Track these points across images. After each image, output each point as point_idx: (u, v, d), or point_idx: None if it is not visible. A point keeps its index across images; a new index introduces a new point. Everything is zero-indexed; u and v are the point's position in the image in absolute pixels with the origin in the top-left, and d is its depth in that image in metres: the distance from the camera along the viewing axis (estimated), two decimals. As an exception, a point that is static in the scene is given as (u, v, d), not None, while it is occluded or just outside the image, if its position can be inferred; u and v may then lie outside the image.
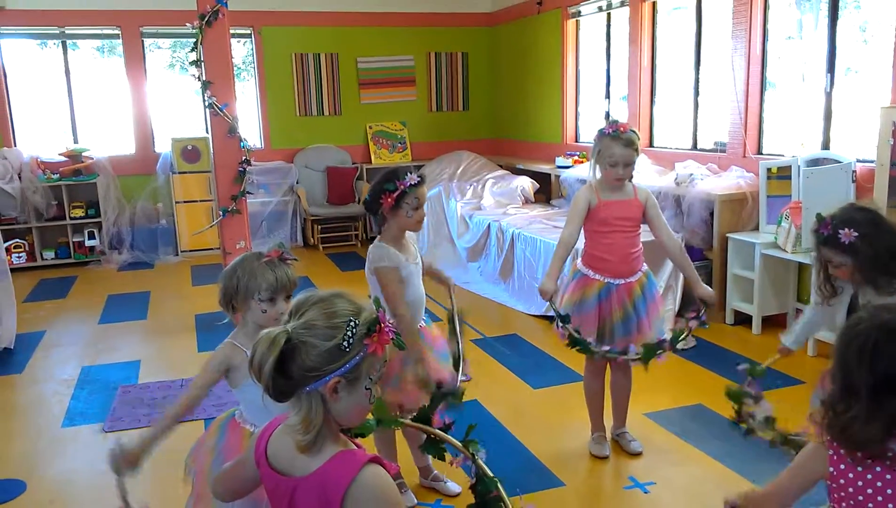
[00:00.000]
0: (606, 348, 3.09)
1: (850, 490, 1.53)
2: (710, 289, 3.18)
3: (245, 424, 2.18)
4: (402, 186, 2.66)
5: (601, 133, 3.10)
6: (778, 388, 3.97)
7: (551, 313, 3.20)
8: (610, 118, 3.32)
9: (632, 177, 3.16)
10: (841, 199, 4.39)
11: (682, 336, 3.11)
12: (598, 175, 3.17)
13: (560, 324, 3.08)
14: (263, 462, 1.43)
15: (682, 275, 5.10)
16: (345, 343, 1.31)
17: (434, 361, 2.76)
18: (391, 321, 1.39)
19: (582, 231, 3.23)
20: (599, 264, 3.16)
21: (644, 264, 3.25)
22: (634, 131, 3.10)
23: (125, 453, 1.98)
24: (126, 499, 1.99)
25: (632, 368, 3.33)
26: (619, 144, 3.04)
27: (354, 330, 1.32)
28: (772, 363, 2.65)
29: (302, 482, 1.36)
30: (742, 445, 3.40)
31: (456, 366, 2.76)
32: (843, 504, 1.57)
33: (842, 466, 1.54)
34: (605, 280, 3.15)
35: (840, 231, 2.18)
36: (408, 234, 2.85)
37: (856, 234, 2.16)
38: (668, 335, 3.16)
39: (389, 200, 2.66)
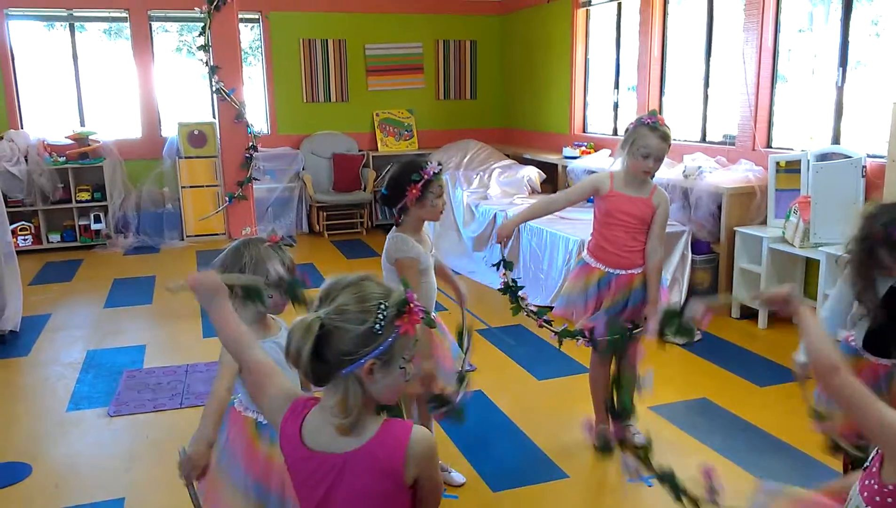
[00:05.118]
0: (534, 307, 3.14)
1: None
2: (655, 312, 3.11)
3: (247, 412, 2.13)
4: (426, 176, 2.66)
5: (639, 121, 3.05)
6: (785, 383, 3.96)
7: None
8: (650, 109, 3.27)
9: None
10: (850, 194, 4.38)
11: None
12: (619, 166, 3.14)
13: (502, 268, 3.13)
14: (297, 445, 1.43)
15: (688, 268, 5.10)
16: (377, 326, 1.34)
17: (447, 349, 2.76)
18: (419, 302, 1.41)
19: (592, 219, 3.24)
20: (600, 253, 3.18)
21: None
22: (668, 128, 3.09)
23: (193, 460, 1.93)
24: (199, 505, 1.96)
25: (637, 361, 3.33)
26: (655, 136, 3.00)
27: (385, 312, 1.35)
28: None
29: (352, 455, 1.39)
30: (746, 439, 3.41)
31: (460, 380, 2.81)
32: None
33: None
34: (606, 270, 3.15)
35: None
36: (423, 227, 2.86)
37: None
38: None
39: (415, 190, 2.66)
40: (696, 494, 2.09)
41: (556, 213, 6.05)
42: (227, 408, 2.19)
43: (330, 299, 1.38)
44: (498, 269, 3.14)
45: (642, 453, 2.28)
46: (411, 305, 1.37)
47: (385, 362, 1.37)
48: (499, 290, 3.17)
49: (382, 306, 1.35)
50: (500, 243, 3.14)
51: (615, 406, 3.08)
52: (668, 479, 2.18)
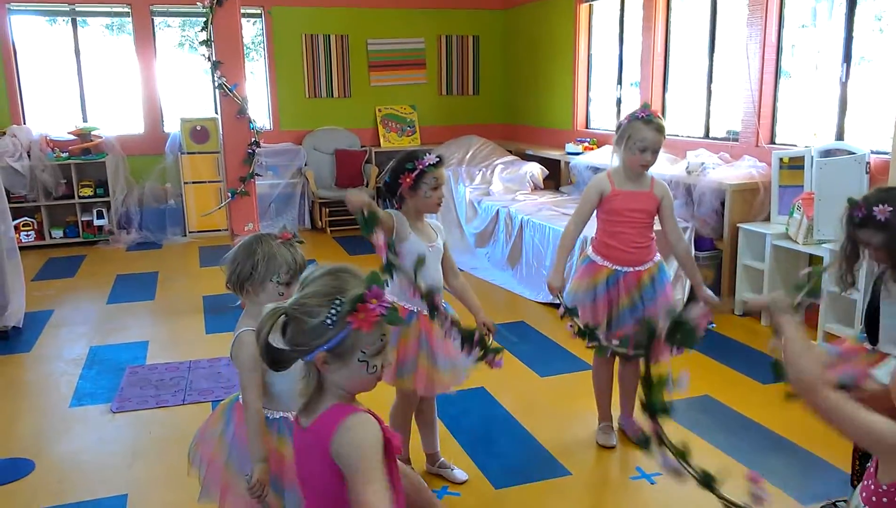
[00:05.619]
0: (616, 342, 3.06)
1: None
2: (714, 295, 3.13)
3: None
4: (420, 166, 2.66)
5: (633, 116, 3.06)
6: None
7: (559, 302, 3.18)
8: (643, 103, 3.26)
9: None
10: (854, 190, 4.35)
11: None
12: (617, 162, 3.14)
13: (568, 316, 3.07)
14: (295, 419, 1.53)
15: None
16: (328, 321, 1.36)
17: (452, 343, 2.74)
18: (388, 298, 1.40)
19: (595, 217, 3.22)
20: (607, 250, 3.16)
21: (657, 254, 3.22)
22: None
23: (259, 481, 2.00)
24: None
25: (663, 358, 3.32)
26: (650, 129, 3.01)
27: (339, 308, 1.36)
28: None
29: (304, 433, 1.45)
30: (749, 437, 3.41)
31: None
32: None
33: None
34: (613, 268, 3.14)
35: (875, 208, 2.13)
36: (432, 222, 2.85)
37: (890, 209, 2.11)
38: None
39: (408, 179, 2.67)
40: (738, 501, 2.06)
41: (560, 210, 6.10)
42: (234, 402, 2.20)
43: (303, 287, 1.42)
44: (562, 317, 3.10)
45: (680, 456, 2.24)
46: (367, 303, 1.36)
47: (337, 355, 1.38)
48: (577, 336, 3.10)
49: (337, 301, 1.36)
50: (554, 294, 3.12)
51: (647, 405, 2.99)
52: (708, 483, 2.15)
